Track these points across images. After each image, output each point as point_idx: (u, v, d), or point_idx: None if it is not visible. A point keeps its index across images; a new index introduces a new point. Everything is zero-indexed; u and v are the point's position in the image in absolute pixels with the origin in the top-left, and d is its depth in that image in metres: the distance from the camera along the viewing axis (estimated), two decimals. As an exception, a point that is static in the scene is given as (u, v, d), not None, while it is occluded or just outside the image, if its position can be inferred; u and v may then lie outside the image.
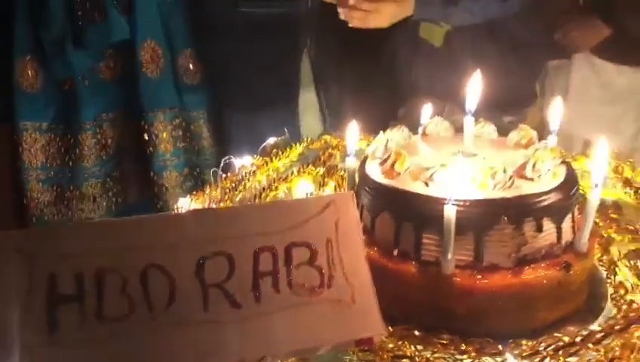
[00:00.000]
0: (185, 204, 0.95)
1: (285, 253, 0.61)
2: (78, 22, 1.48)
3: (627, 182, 0.99)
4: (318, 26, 1.51)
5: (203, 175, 1.62)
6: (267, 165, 1.11)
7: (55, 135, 1.58)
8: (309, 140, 1.21)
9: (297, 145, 1.19)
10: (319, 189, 1.02)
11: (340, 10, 1.31)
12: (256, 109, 1.45)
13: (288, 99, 1.51)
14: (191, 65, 1.58)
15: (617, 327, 0.62)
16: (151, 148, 1.59)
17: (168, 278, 0.59)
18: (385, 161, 0.72)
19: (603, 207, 0.93)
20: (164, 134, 1.60)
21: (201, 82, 1.60)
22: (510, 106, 1.35)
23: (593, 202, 0.66)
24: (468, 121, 0.76)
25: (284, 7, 1.47)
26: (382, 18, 1.30)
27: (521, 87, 1.46)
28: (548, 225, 0.65)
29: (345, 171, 0.93)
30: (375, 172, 0.73)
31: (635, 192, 0.97)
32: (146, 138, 1.58)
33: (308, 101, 1.55)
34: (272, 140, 1.24)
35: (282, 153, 1.15)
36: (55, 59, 1.51)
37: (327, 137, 1.22)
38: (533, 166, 0.67)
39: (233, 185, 1.01)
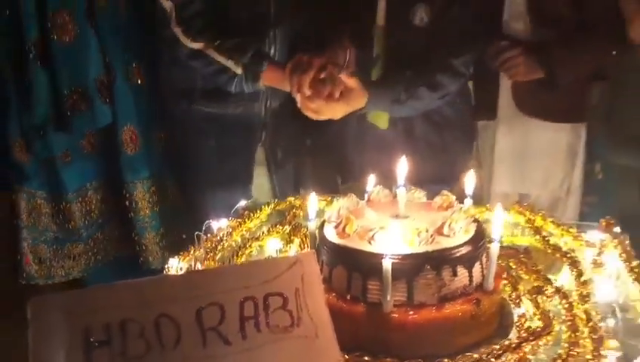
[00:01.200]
0: (174, 263, 1.13)
1: (264, 301, 0.80)
2: (66, 112, 1.65)
3: (537, 231, 1.22)
4: (273, 123, 1.67)
5: (178, 232, 1.77)
6: (241, 226, 1.30)
7: (44, 200, 1.76)
8: (275, 202, 1.42)
9: (266, 206, 1.39)
10: (287, 245, 1.22)
11: (296, 97, 1.46)
12: (215, 186, 1.63)
13: (244, 179, 1.69)
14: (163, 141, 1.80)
15: (513, 345, 0.82)
16: (132, 213, 1.78)
17: (175, 325, 0.77)
18: (338, 225, 0.93)
19: (516, 251, 1.16)
20: (143, 201, 1.79)
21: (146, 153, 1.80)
22: (445, 178, 1.55)
23: (493, 252, 0.87)
24: (400, 191, 0.98)
25: (239, 108, 1.61)
26: (335, 112, 1.46)
27: (456, 161, 1.68)
28: (461, 271, 0.86)
29: (307, 229, 1.14)
30: (331, 234, 0.93)
31: (543, 239, 1.19)
32: (127, 204, 1.77)
33: (260, 179, 1.74)
34: (242, 203, 1.44)
35: (253, 214, 1.35)
36: (36, 140, 1.69)
37: (292, 198, 1.42)
38: (449, 225, 0.88)
39: (214, 245, 1.20)
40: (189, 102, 1.62)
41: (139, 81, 1.72)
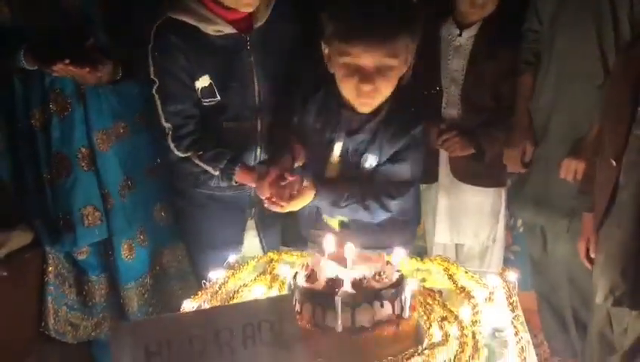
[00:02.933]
0: (188, 303, 1.55)
1: (258, 325, 1.23)
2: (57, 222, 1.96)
3: (450, 276, 1.67)
4: (260, 201, 1.89)
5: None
6: (234, 275, 1.72)
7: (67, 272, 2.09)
8: (258, 256, 1.85)
9: (252, 260, 1.83)
10: (269, 290, 1.65)
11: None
12: (212, 249, 1.98)
13: (236, 243, 2.05)
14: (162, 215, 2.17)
15: (419, 351, 1.27)
16: (128, 309, 2.10)
17: (202, 342, 1.20)
18: (307, 275, 1.38)
19: (434, 292, 1.60)
20: (136, 299, 2.11)
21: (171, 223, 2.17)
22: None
23: (407, 293, 1.33)
24: (349, 248, 1.43)
25: (232, 190, 1.95)
26: (293, 207, 1.74)
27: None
28: (387, 304, 1.31)
29: (284, 277, 1.58)
30: (301, 281, 1.38)
31: (454, 282, 1.65)
32: (122, 301, 2.09)
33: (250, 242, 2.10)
34: (232, 258, 1.86)
35: (242, 267, 1.78)
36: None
37: (271, 254, 1.85)
38: (379, 275, 1.34)
39: (215, 290, 1.62)
40: (194, 185, 1.97)
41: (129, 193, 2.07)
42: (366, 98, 1.71)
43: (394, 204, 1.82)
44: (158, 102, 1.83)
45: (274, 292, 1.60)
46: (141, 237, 2.11)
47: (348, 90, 1.71)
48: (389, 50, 1.63)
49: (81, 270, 2.07)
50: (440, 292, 1.57)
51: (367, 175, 1.81)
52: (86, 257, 2.06)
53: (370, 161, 1.80)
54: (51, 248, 2.04)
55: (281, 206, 1.71)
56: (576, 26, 2.06)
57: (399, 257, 1.53)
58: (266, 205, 1.75)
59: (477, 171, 2.30)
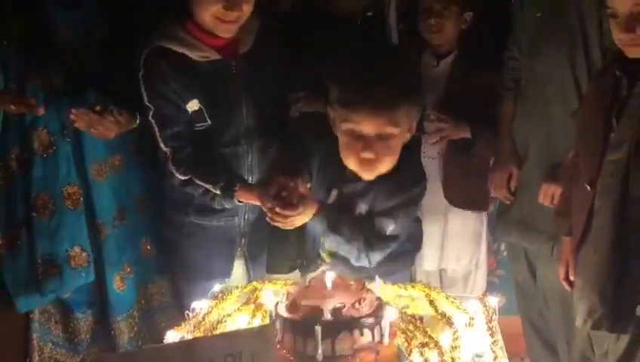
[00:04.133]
0: (171, 334, 1.56)
1: (239, 356, 1.25)
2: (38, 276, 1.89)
3: (431, 302, 1.70)
4: (250, 231, 2.04)
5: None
6: (217, 305, 1.74)
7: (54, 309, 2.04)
8: (242, 286, 1.86)
9: (235, 289, 1.84)
10: (252, 319, 1.66)
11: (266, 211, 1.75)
12: (200, 279, 1.99)
13: (224, 275, 2.06)
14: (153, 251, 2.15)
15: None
16: (119, 342, 2.06)
17: (184, 372, 1.21)
18: (288, 305, 1.40)
19: (414, 318, 1.62)
20: (127, 331, 2.08)
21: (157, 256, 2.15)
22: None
23: (387, 320, 1.35)
24: (329, 277, 1.46)
25: (222, 221, 2.00)
26: (296, 223, 1.74)
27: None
28: (366, 332, 1.33)
29: (267, 307, 1.60)
30: (282, 310, 1.39)
31: (435, 308, 1.67)
32: (112, 334, 2.06)
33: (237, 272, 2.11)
34: (217, 287, 1.88)
35: (226, 296, 1.79)
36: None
37: (254, 283, 1.87)
38: (359, 303, 1.36)
39: (199, 320, 1.64)
40: (185, 215, 2.00)
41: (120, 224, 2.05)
42: (368, 166, 1.71)
43: (372, 256, 1.79)
44: (156, 128, 1.87)
45: (257, 322, 1.61)
46: (128, 269, 2.10)
47: (350, 158, 1.72)
48: (389, 119, 1.65)
49: (67, 307, 2.05)
50: (421, 318, 1.59)
51: (359, 219, 1.81)
52: (71, 295, 2.03)
53: (363, 208, 1.80)
54: (28, 297, 1.96)
55: (286, 217, 1.70)
56: (551, 52, 2.11)
57: (379, 284, 1.56)
58: (269, 218, 1.75)
59: (466, 195, 2.35)
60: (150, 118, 1.86)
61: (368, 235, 1.78)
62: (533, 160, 2.22)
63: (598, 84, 1.83)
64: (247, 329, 1.39)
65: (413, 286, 1.77)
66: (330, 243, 1.86)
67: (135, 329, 2.13)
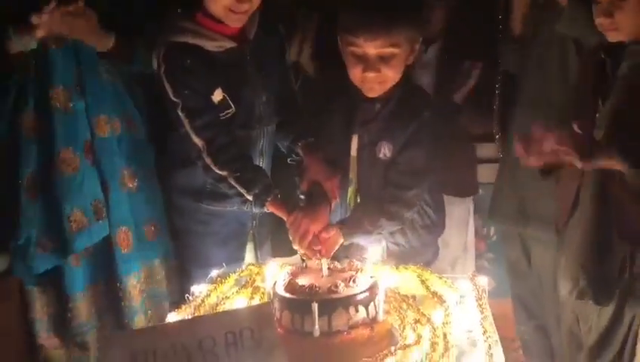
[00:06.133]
0: (172, 316, 1.61)
1: (239, 333, 1.30)
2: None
3: (423, 282, 1.75)
4: (261, 214, 2.05)
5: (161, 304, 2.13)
6: (216, 289, 1.79)
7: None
8: (239, 270, 1.91)
9: (233, 273, 1.89)
10: (250, 301, 1.71)
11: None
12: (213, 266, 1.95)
13: (238, 259, 2.08)
14: (155, 234, 2.11)
15: (392, 351, 1.35)
16: (126, 302, 2.04)
17: (186, 350, 1.26)
18: (285, 284, 1.45)
19: (407, 297, 1.68)
20: (135, 291, 2.06)
21: (162, 240, 2.12)
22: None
23: (381, 297, 1.41)
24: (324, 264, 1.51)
25: (234, 206, 1.99)
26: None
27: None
28: (361, 308, 1.39)
29: (265, 289, 1.65)
30: (280, 289, 1.45)
31: (427, 288, 1.73)
32: (121, 296, 2.03)
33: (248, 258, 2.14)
34: (214, 272, 1.92)
35: (224, 280, 1.84)
36: (20, 261, 1.95)
37: (252, 267, 1.92)
38: (353, 280, 1.41)
39: (198, 303, 1.69)
40: (196, 200, 2.03)
41: (131, 186, 2.05)
42: (371, 83, 1.84)
43: (411, 197, 1.88)
44: (186, 121, 1.87)
45: (255, 303, 1.67)
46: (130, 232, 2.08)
47: (355, 77, 1.85)
48: (389, 40, 1.77)
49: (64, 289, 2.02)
50: (414, 297, 1.65)
51: (383, 168, 1.89)
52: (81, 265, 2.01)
53: (385, 150, 1.89)
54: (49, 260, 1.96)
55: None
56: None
57: (374, 259, 1.62)
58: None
59: (453, 181, 2.37)
60: (179, 111, 1.87)
61: (395, 182, 1.87)
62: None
63: (586, 67, 1.90)
64: (247, 307, 1.45)
65: (405, 268, 1.82)
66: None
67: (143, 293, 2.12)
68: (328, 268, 1.53)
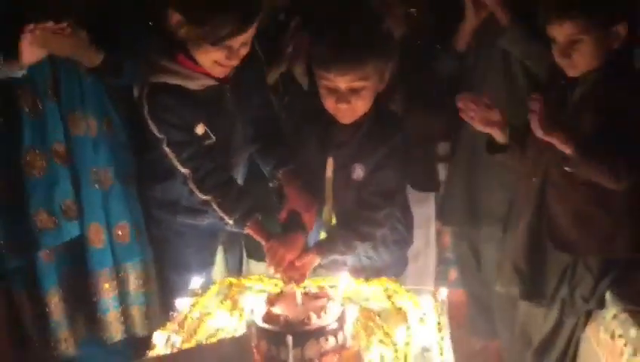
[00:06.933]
0: (158, 335, 1.75)
1: (220, 364, 1.45)
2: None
3: (389, 297, 1.91)
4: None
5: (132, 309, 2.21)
6: (198, 302, 1.92)
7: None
8: (219, 281, 2.04)
9: (212, 286, 2.02)
10: (231, 316, 1.85)
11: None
12: (187, 271, 2.10)
13: (208, 266, 2.27)
14: (127, 236, 2.17)
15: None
16: (96, 297, 2.13)
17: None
18: (264, 315, 1.59)
19: (373, 313, 1.84)
20: (107, 285, 2.14)
21: (136, 243, 2.18)
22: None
23: (348, 325, 1.56)
24: (297, 293, 1.66)
25: (207, 220, 2.10)
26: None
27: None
28: (331, 338, 1.54)
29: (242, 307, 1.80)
30: (258, 319, 1.59)
31: (393, 304, 1.88)
32: (92, 291, 2.12)
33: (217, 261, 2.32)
34: (196, 283, 2.05)
35: (205, 292, 1.98)
36: None
37: (230, 279, 2.05)
38: (324, 311, 1.56)
39: (182, 318, 1.82)
40: (171, 213, 2.14)
41: (105, 186, 2.11)
42: (343, 112, 1.94)
43: (383, 217, 1.98)
44: (172, 155, 1.96)
45: (235, 319, 1.81)
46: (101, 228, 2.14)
47: (328, 106, 1.95)
48: (359, 74, 1.86)
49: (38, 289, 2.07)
50: (379, 314, 1.80)
51: (356, 188, 2.00)
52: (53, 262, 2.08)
53: (358, 172, 1.99)
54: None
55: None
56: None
57: (344, 284, 1.77)
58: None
59: (419, 179, 2.53)
60: (165, 146, 1.95)
61: (366, 202, 1.98)
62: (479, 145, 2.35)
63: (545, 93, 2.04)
64: (227, 340, 1.59)
65: (376, 281, 1.97)
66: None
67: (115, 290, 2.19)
68: (303, 293, 1.67)
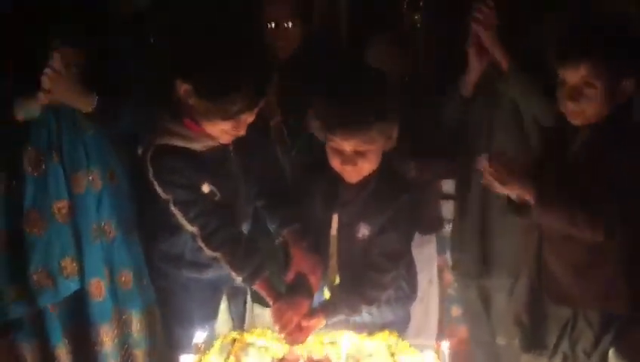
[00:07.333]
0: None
1: None
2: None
3: (392, 355, 1.88)
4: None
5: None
6: (202, 360, 1.92)
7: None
8: (223, 336, 2.02)
9: (216, 340, 2.01)
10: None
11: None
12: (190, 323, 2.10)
13: (212, 318, 2.26)
14: (130, 282, 2.21)
15: None
16: (98, 347, 2.16)
17: None
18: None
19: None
20: (107, 339, 2.17)
21: (138, 289, 2.22)
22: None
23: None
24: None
25: (211, 273, 2.11)
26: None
27: None
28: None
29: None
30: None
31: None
32: (94, 341, 2.14)
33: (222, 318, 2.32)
34: (199, 338, 2.01)
35: (208, 348, 1.97)
36: None
37: (233, 333, 2.03)
38: None
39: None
40: (176, 267, 2.14)
41: (107, 237, 2.14)
42: (349, 173, 1.94)
43: (390, 280, 1.99)
44: (179, 214, 1.95)
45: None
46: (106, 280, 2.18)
47: (335, 166, 1.95)
48: (364, 138, 1.85)
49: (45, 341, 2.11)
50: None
51: (361, 248, 1.99)
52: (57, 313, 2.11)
53: (364, 231, 1.99)
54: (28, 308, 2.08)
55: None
56: None
57: (346, 346, 1.78)
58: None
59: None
60: (172, 206, 1.94)
61: (367, 289, 1.97)
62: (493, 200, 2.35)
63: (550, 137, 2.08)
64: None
65: (377, 336, 1.97)
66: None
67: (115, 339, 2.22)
68: (306, 359, 1.68)
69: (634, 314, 1.89)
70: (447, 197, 2.76)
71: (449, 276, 2.93)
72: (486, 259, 2.43)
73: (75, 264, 2.08)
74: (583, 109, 1.88)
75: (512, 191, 1.93)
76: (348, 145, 1.86)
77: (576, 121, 1.92)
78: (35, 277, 2.02)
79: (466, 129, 2.42)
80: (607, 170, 1.82)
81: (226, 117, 1.84)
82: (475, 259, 2.46)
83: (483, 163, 1.93)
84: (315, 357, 1.72)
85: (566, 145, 1.95)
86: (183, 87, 1.85)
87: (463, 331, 2.84)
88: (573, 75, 1.86)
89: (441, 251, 2.83)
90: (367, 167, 1.93)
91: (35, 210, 2.02)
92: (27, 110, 1.94)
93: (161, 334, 2.33)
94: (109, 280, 2.17)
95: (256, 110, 1.89)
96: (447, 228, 2.74)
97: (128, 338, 2.25)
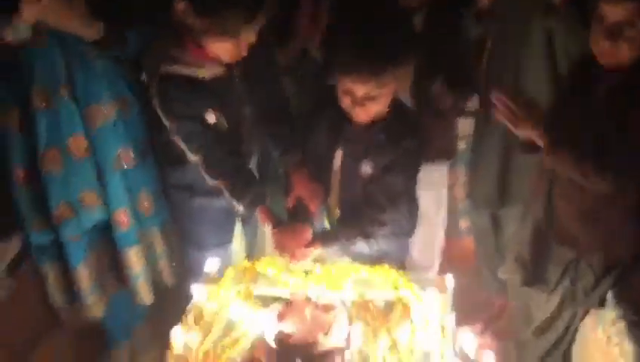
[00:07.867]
0: (177, 331, 1.84)
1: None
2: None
3: (396, 287, 1.95)
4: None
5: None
6: (214, 290, 1.99)
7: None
8: (233, 266, 2.08)
9: (227, 270, 2.08)
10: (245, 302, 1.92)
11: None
12: (206, 247, 2.25)
13: (227, 242, 2.36)
14: (151, 204, 2.27)
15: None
16: (127, 270, 2.27)
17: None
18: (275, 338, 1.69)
19: (373, 306, 1.89)
20: (136, 260, 2.26)
21: (156, 207, 2.29)
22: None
23: (354, 345, 1.66)
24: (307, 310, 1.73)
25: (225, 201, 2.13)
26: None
27: None
28: (337, 358, 1.64)
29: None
30: (269, 338, 1.69)
31: (397, 296, 1.94)
32: (123, 264, 2.24)
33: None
34: (212, 267, 2.09)
35: (220, 279, 2.03)
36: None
37: (245, 262, 2.10)
38: (332, 331, 1.66)
39: (199, 312, 1.91)
40: (190, 197, 2.20)
41: (125, 164, 2.16)
42: (358, 114, 1.93)
43: (388, 219, 2.01)
44: (183, 144, 1.99)
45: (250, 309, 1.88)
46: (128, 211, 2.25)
47: (344, 105, 1.95)
48: (376, 83, 1.84)
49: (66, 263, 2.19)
50: (384, 305, 1.86)
51: (363, 184, 2.01)
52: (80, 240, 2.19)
53: (366, 168, 2.01)
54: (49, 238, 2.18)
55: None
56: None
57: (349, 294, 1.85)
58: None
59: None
60: (175, 136, 1.98)
61: (365, 225, 2.01)
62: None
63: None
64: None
65: (380, 267, 2.02)
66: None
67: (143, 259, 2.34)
68: (312, 306, 1.76)
69: (635, 261, 1.91)
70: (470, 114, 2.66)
71: (460, 191, 2.94)
72: (503, 192, 2.42)
73: (96, 196, 2.12)
74: (619, 50, 1.75)
75: (524, 135, 1.90)
76: (360, 90, 1.85)
77: (608, 62, 1.80)
78: (56, 211, 2.08)
79: (492, 59, 2.31)
80: (627, 121, 1.75)
81: (225, 32, 1.80)
82: (491, 191, 2.45)
83: (496, 100, 1.89)
84: (320, 302, 1.79)
85: (588, 90, 1.86)
86: (180, 6, 1.80)
87: (469, 243, 2.91)
88: (615, 12, 1.71)
89: (453, 164, 2.78)
90: (376, 109, 1.92)
91: (50, 148, 2.03)
92: (15, 29, 1.85)
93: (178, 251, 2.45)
94: (132, 207, 2.23)
95: (256, 28, 1.85)
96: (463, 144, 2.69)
97: (154, 254, 2.36)
